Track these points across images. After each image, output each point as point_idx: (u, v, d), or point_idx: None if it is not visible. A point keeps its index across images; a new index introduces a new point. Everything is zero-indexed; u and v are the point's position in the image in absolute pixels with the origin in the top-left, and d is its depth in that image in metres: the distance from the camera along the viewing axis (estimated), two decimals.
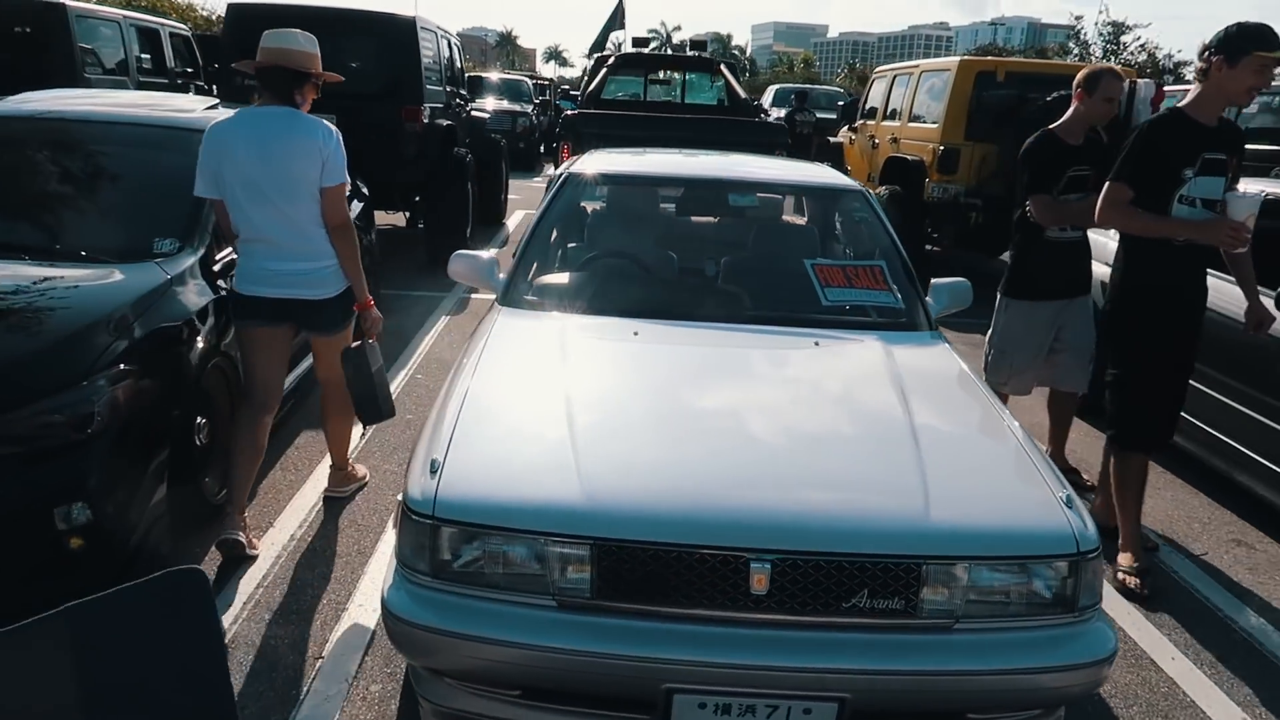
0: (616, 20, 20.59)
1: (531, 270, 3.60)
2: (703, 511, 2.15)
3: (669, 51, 27.37)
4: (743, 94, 9.45)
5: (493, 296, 3.57)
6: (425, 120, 7.82)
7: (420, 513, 2.17)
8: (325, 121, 3.31)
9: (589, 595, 2.12)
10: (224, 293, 3.59)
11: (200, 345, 3.41)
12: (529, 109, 17.79)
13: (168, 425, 3.17)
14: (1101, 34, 22.71)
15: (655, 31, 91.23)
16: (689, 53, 9.46)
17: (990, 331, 4.27)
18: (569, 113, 7.36)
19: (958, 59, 8.26)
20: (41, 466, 2.76)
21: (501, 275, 3.59)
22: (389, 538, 3.52)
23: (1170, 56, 22.97)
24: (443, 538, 2.16)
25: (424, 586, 2.18)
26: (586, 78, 9.49)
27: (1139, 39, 22.70)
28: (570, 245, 3.97)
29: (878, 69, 10.64)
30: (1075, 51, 24.37)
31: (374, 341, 3.52)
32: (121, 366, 2.95)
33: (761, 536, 2.10)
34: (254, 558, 3.38)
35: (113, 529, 2.87)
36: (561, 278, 3.66)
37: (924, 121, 8.62)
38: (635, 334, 3.11)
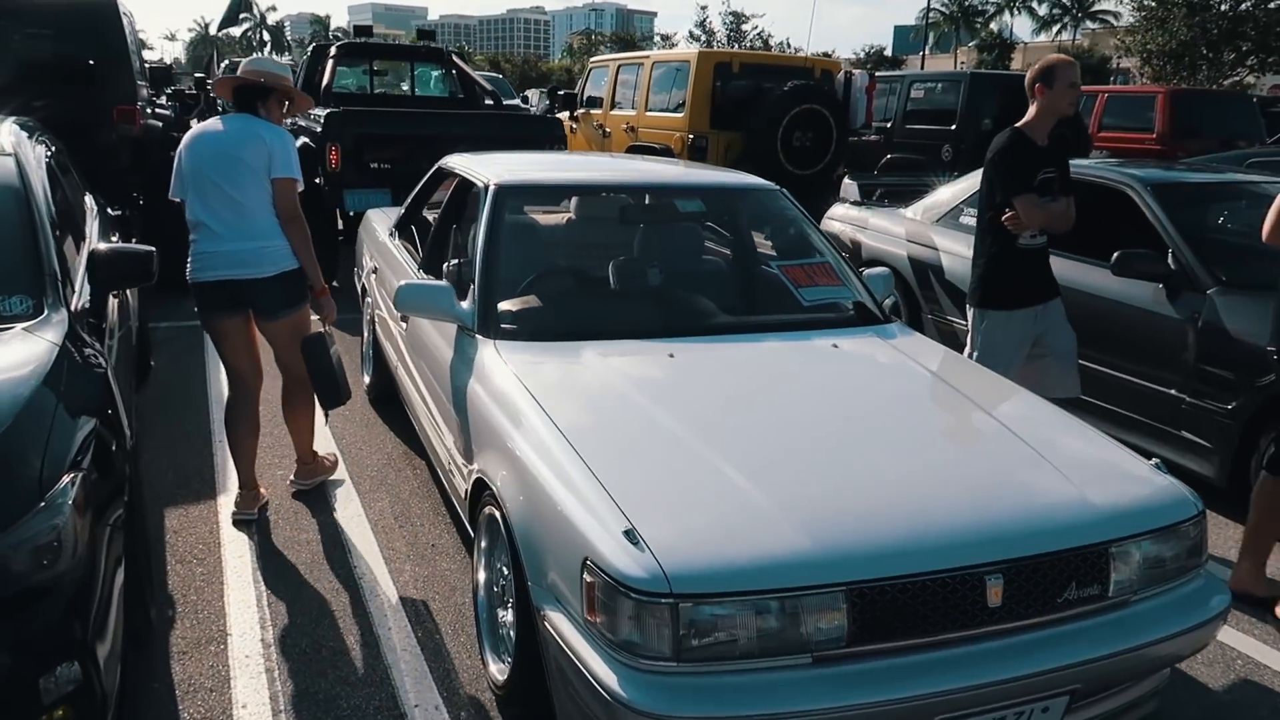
0: (241, 5, 18.97)
1: (499, 296, 3.24)
2: (938, 535, 2.12)
3: (265, 34, 25.30)
4: (487, 86, 9.11)
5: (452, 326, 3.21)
6: (142, 121, 6.65)
7: (652, 592, 1.91)
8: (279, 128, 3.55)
9: (844, 644, 2.00)
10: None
11: (128, 430, 2.66)
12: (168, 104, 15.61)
13: (126, 536, 2.45)
14: (724, 22, 24.92)
15: (247, 15, 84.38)
16: (419, 43, 8.93)
17: (968, 347, 4.03)
18: (331, 111, 6.63)
19: (696, 50, 8.67)
20: (10, 624, 2.01)
21: (464, 304, 3.20)
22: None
23: (786, 45, 25.83)
24: (683, 614, 1.92)
25: (668, 673, 1.92)
26: (304, 69, 8.57)
27: (757, 29, 25.25)
28: (523, 265, 3.62)
29: (594, 59, 10.79)
30: (702, 39, 26.47)
31: (329, 328, 3.75)
32: (70, 476, 2.22)
33: (993, 549, 2.11)
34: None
35: (105, 689, 2.17)
36: (539, 302, 3.34)
37: (665, 110, 8.92)
38: (671, 356, 2.94)
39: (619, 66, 9.90)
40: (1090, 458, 2.57)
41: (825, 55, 23.17)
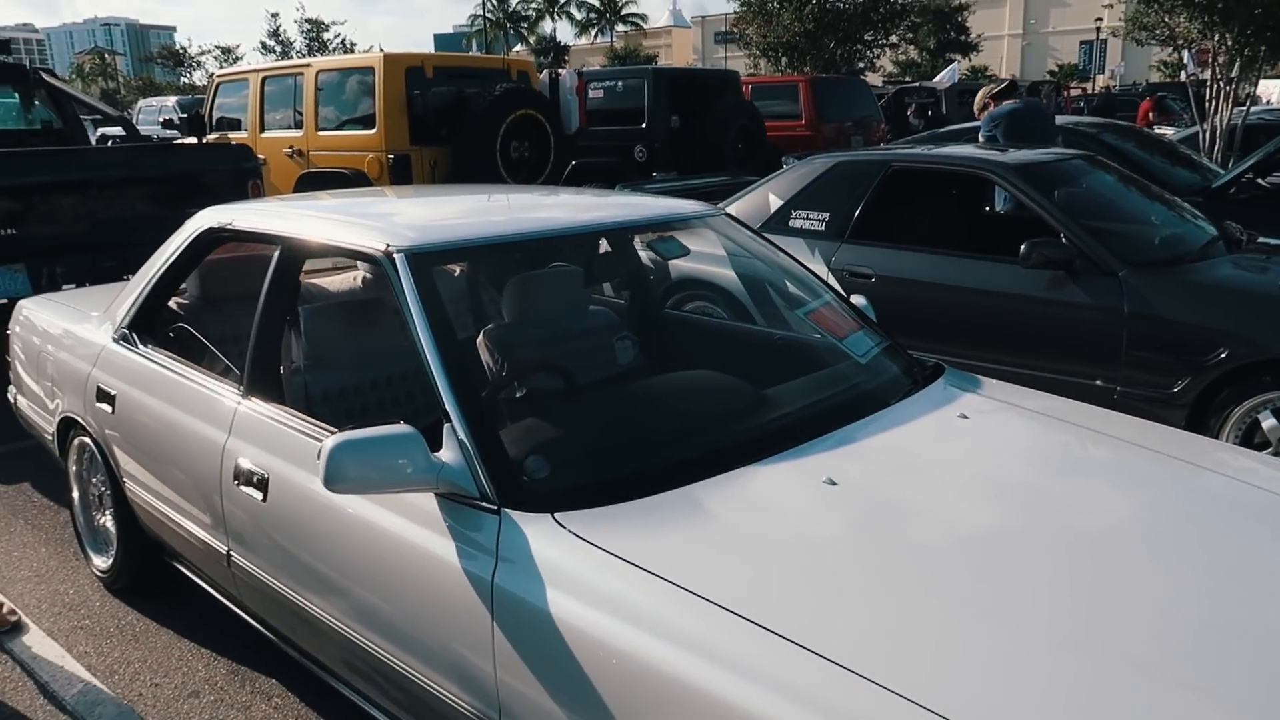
0: None
1: (510, 432, 1.99)
2: None
3: None
4: (108, 110, 6.83)
5: (424, 494, 1.91)
6: None
7: None
8: None
9: None
10: None
11: None
12: None
13: None
14: (303, 31, 22.63)
15: None
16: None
17: None
18: None
19: (379, 54, 7.24)
20: None
21: (444, 456, 1.91)
22: None
23: (370, 49, 23.94)
24: None
25: None
26: None
27: (339, 36, 23.24)
28: (497, 374, 2.32)
29: (222, 73, 8.80)
30: (277, 50, 23.85)
31: None
32: None
33: None
34: None
35: None
36: (559, 432, 2.10)
37: (345, 128, 7.42)
38: (831, 483, 1.93)
39: (264, 79, 8.08)
40: None
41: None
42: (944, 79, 18.32)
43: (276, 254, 2.64)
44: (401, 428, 1.90)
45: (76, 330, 3.35)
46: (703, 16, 78.98)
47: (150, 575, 3.23)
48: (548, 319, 2.94)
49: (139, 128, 10.55)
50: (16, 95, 6.89)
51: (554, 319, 2.96)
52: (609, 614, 1.61)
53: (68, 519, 3.92)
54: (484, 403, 2.03)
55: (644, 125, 9.39)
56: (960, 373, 2.69)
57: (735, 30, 20.26)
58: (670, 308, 4.19)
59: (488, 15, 64.91)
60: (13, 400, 3.89)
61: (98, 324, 3.27)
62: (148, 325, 3.10)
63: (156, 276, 3.07)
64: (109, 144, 8.77)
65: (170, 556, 3.09)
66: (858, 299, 3.01)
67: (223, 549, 2.56)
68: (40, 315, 3.68)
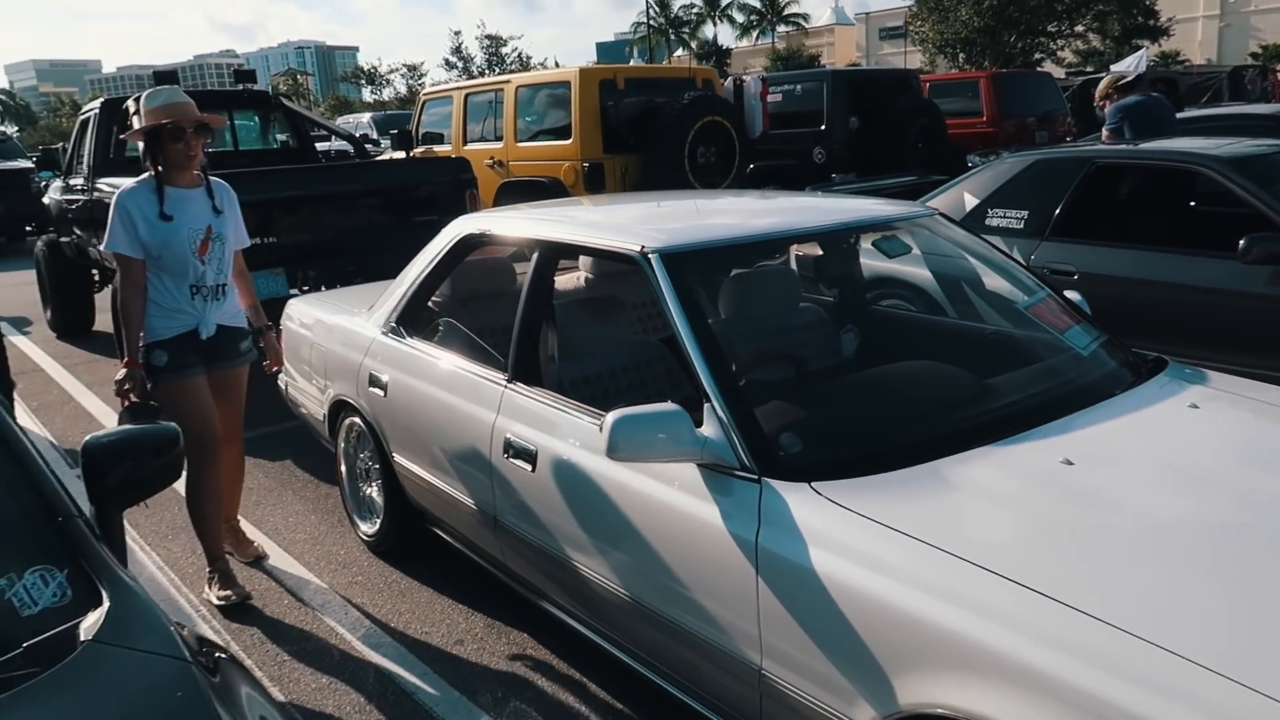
0: None
1: (751, 410, 2.23)
2: None
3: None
4: (338, 129, 7.63)
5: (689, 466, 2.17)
6: None
7: None
8: None
9: None
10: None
11: None
12: None
13: None
14: (483, 47, 23.85)
15: None
16: (237, 87, 7.31)
17: None
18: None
19: (576, 68, 7.70)
20: None
21: (706, 432, 2.17)
22: None
23: (544, 64, 25.10)
24: None
25: None
26: (95, 131, 6.78)
27: (516, 50, 24.37)
28: (745, 359, 2.59)
29: (428, 90, 9.54)
30: (459, 65, 25.25)
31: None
32: None
33: None
34: None
35: None
36: (804, 413, 2.34)
37: (542, 139, 7.91)
38: (1068, 463, 2.07)
39: (467, 95, 8.73)
40: None
41: None
42: (1130, 66, 17.43)
43: (535, 256, 2.99)
44: (671, 406, 2.17)
45: (347, 325, 3.84)
46: (866, 13, 77.44)
47: (411, 539, 3.67)
48: (768, 314, 3.17)
49: (332, 147, 11.49)
50: (257, 119, 7.73)
51: (773, 314, 3.20)
52: (870, 569, 1.82)
53: (329, 490, 4.46)
54: (738, 385, 2.27)
55: (823, 127, 9.49)
56: (1183, 366, 2.74)
57: (910, 27, 19.88)
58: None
59: (651, 22, 65.93)
60: (284, 387, 4.45)
61: (365, 319, 3.74)
62: (412, 320, 3.53)
63: (421, 278, 3.50)
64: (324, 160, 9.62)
65: (431, 523, 3.51)
66: (1072, 294, 3.10)
67: (491, 513, 2.93)
68: (309, 312, 4.22)
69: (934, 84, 11.86)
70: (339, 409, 3.87)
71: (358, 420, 3.72)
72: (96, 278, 7.94)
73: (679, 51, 68.97)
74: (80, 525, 1.63)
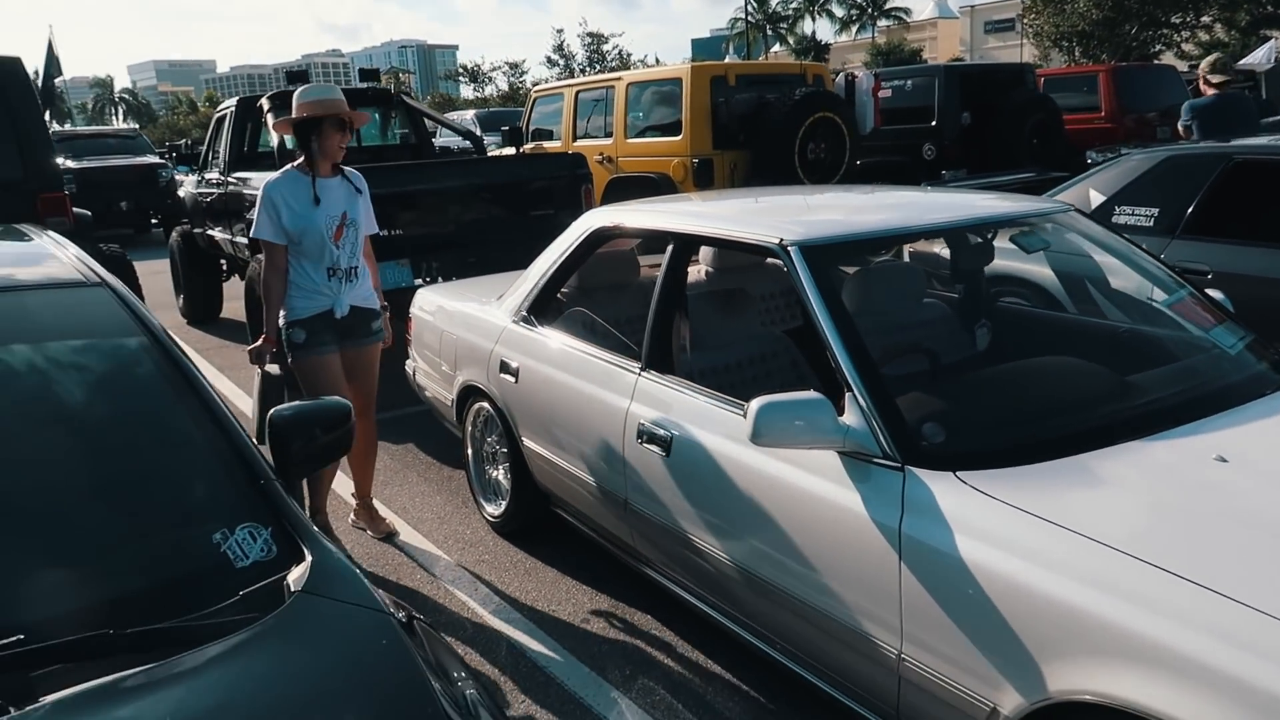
0: (54, 65, 16.99)
1: (903, 402, 2.27)
2: None
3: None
4: (459, 125, 7.91)
5: (830, 453, 2.22)
6: (74, 210, 5.18)
7: None
8: None
9: None
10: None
11: None
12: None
13: None
14: (584, 44, 24.17)
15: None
16: (361, 85, 7.63)
17: None
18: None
19: (688, 65, 7.78)
20: None
21: (848, 420, 2.21)
22: None
23: (643, 61, 25.33)
24: None
25: None
26: (231, 128, 7.16)
27: (616, 47, 24.63)
28: (881, 351, 2.64)
29: (539, 88, 9.75)
30: (560, 63, 25.65)
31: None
32: None
33: None
34: None
35: None
36: (944, 404, 2.38)
37: (652, 135, 8.00)
38: (1222, 460, 2.05)
39: (578, 92, 8.91)
40: None
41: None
42: (1261, 59, 16.54)
43: (669, 249, 3.07)
44: (814, 394, 2.23)
45: (478, 314, 3.99)
46: (972, 6, 75.39)
47: (535, 521, 3.80)
48: (895, 308, 3.19)
49: (439, 141, 11.81)
50: (377, 115, 8.02)
51: (900, 308, 3.21)
52: (1022, 559, 1.84)
53: (452, 473, 4.65)
54: (879, 375, 2.31)
55: (933, 123, 9.34)
56: None
57: (1025, 20, 19.28)
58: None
59: (748, 18, 65.51)
60: (411, 373, 4.65)
61: (496, 308, 3.88)
62: (542, 309, 3.66)
63: (552, 269, 3.62)
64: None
65: (556, 504, 3.63)
66: (1215, 292, 3.03)
67: (621, 496, 3.02)
68: (439, 302, 4.39)
69: (1049, 78, 11.54)
70: (468, 394, 4.03)
71: (486, 405, 3.87)
72: (224, 267, 8.37)
73: (776, 47, 68.46)
74: (278, 488, 1.78)
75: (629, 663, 3.00)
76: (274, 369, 3.59)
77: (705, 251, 4.08)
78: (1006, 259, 4.18)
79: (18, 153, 4.80)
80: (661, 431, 2.78)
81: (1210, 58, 6.61)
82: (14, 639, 1.37)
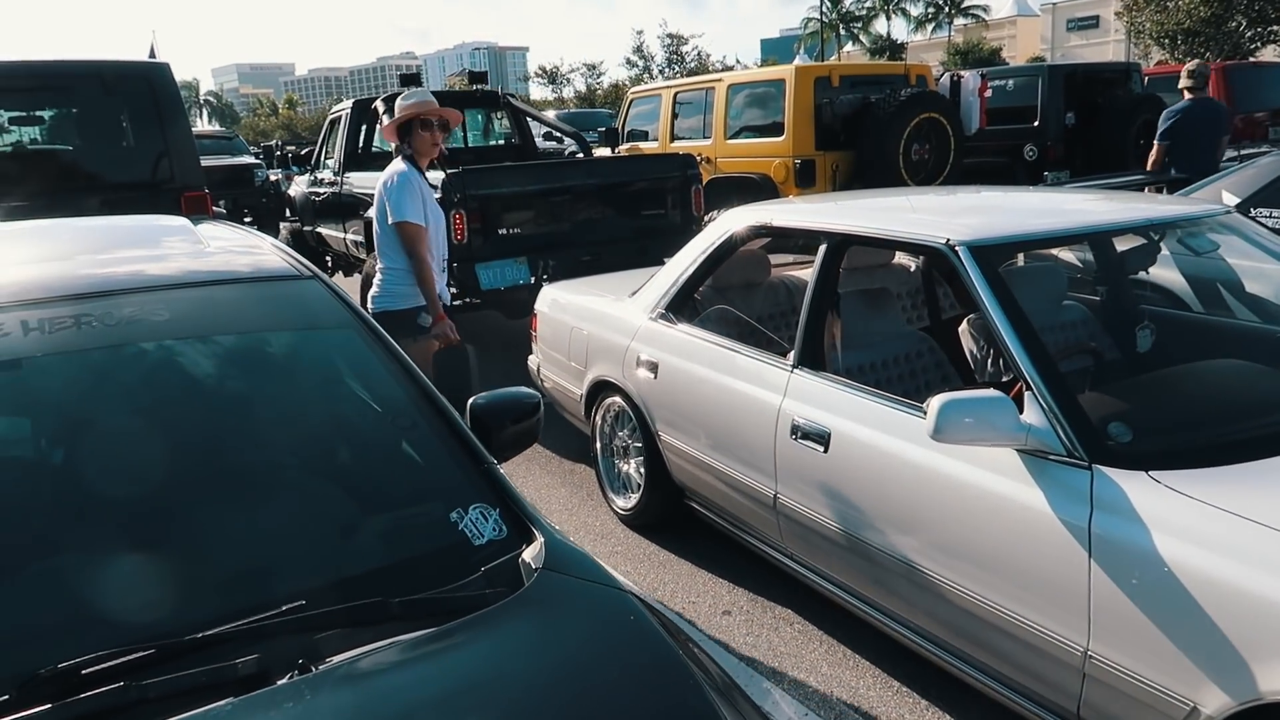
0: None
1: (1084, 400, 2.28)
2: None
3: None
4: (563, 127, 8.07)
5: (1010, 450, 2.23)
6: (215, 211, 5.42)
7: None
8: None
9: None
10: None
11: None
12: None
13: None
14: (664, 45, 24.29)
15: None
16: (471, 87, 7.83)
17: None
18: (453, 171, 5.49)
19: (792, 66, 7.80)
20: None
21: (1028, 419, 2.23)
22: None
23: (721, 62, 25.37)
24: None
25: None
26: (345, 129, 7.40)
27: (695, 49, 24.71)
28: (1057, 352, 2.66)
29: (636, 89, 9.85)
30: (639, 64, 25.81)
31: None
32: None
33: None
34: None
35: None
36: (1117, 405, 2.39)
37: (754, 136, 8.04)
38: None
39: (675, 94, 8.98)
40: None
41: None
42: None
43: (823, 247, 3.11)
44: (995, 392, 2.25)
45: (611, 311, 4.07)
46: (1053, 3, 73.59)
47: (668, 515, 3.87)
48: (1040, 309, 3.18)
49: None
50: (481, 116, 8.21)
51: (1043, 309, 3.20)
52: (1227, 558, 1.84)
53: (574, 465, 4.74)
54: (1059, 374, 2.32)
55: (1036, 123, 9.20)
56: None
57: (1127, 17, 18.79)
58: None
59: (822, 17, 64.94)
60: (535, 368, 4.75)
61: (631, 305, 3.96)
62: (680, 307, 3.73)
63: (693, 267, 3.69)
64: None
65: (690, 498, 3.69)
66: None
67: (769, 492, 3.07)
68: (567, 299, 4.49)
69: (1153, 77, 11.25)
70: (599, 389, 4.11)
71: (619, 400, 3.95)
72: (329, 264, 8.64)
73: (849, 46, 67.74)
74: (499, 471, 1.87)
75: (775, 655, 3.05)
76: (456, 344, 3.97)
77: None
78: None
79: (167, 155, 5.06)
80: (818, 428, 2.82)
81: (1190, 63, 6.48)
82: (298, 603, 1.48)
